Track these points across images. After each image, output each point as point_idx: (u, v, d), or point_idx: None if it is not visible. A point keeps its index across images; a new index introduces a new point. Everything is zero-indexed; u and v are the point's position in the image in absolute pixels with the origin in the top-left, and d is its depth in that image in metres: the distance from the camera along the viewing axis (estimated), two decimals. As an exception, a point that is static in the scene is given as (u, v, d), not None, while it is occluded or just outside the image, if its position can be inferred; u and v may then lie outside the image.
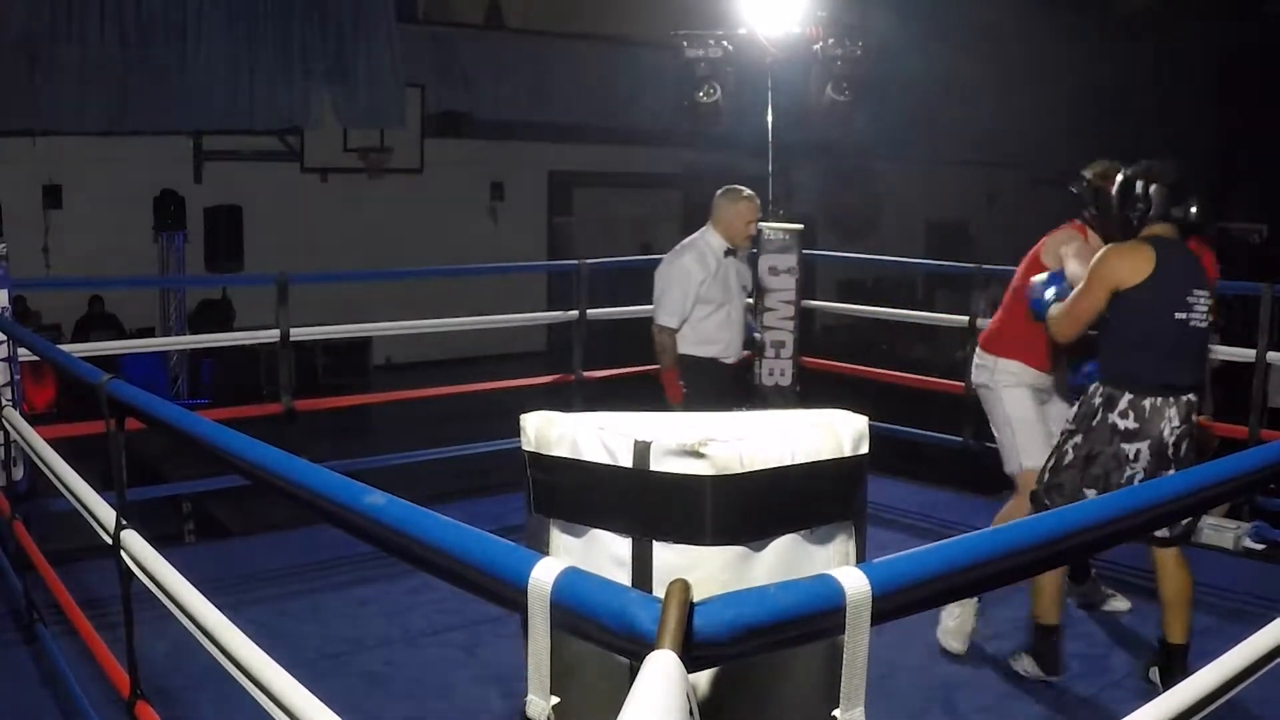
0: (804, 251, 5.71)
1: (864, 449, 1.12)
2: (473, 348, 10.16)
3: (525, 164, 12.60)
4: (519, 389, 5.39)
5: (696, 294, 4.46)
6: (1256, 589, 3.99)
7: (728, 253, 4.58)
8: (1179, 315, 3.10)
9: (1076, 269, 3.43)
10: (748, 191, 4.66)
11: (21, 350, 3.93)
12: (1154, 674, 3.19)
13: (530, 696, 1.01)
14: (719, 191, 4.70)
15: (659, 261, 4.67)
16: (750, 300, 4.98)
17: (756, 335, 5.03)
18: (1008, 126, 14.06)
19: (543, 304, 11.64)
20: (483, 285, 8.61)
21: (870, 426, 1.14)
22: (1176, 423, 3.10)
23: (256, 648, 1.67)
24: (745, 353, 4.86)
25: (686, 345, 4.49)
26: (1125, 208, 3.29)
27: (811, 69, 6.30)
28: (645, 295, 4.72)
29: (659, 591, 0.90)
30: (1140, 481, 3.03)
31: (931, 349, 11.89)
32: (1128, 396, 3.12)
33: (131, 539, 2.15)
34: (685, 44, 6.23)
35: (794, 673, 1.06)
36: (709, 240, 4.59)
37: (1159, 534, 3.13)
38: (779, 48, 6.16)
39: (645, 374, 5.01)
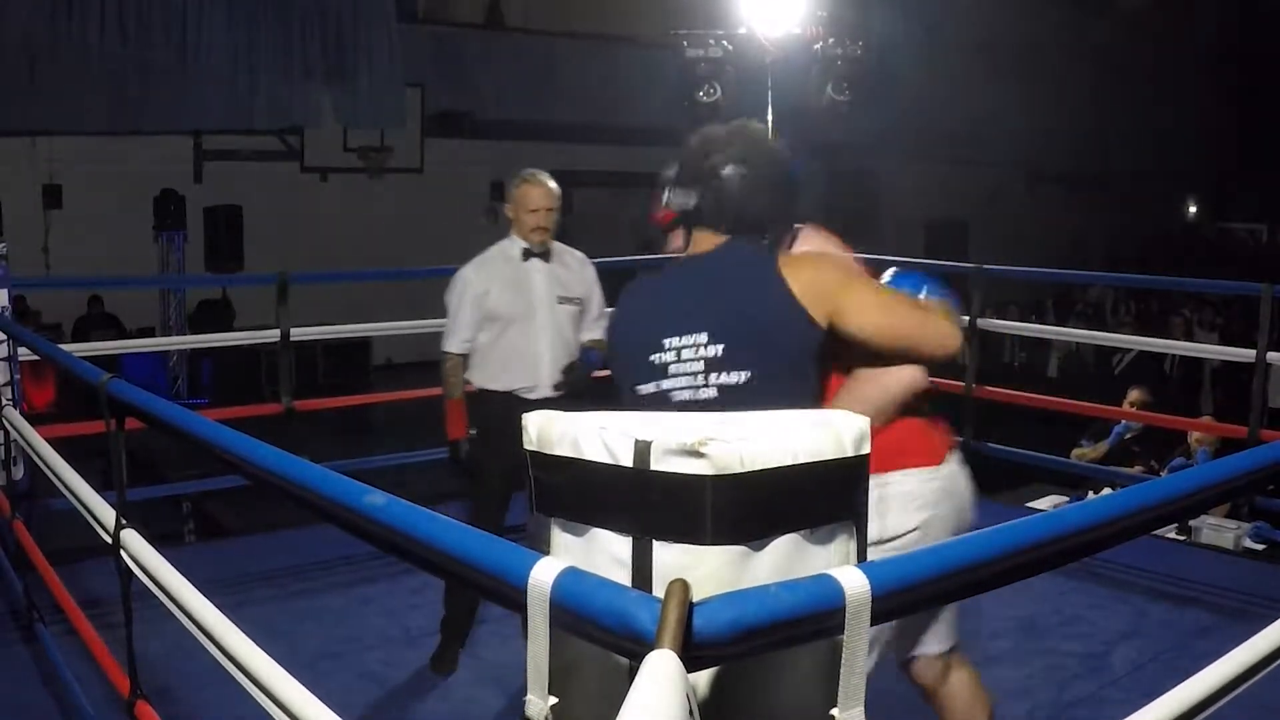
0: (804, 251, 5.70)
1: (865, 449, 1.12)
2: (473, 348, 10.16)
3: (525, 164, 12.56)
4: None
5: (480, 308, 3.49)
6: (1256, 589, 3.99)
7: (529, 254, 3.54)
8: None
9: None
10: (533, 173, 3.70)
11: (21, 350, 3.93)
12: None
13: (530, 696, 1.01)
14: None
15: (660, 261, 4.27)
16: (595, 315, 3.68)
17: (592, 358, 3.58)
18: (1008, 126, 14.07)
19: (543, 304, 11.64)
20: (483, 285, 8.59)
21: (870, 426, 1.14)
22: None
23: (256, 648, 1.67)
24: (564, 380, 3.52)
25: (476, 375, 3.53)
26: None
27: (811, 69, 6.31)
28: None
29: (659, 591, 0.90)
30: None
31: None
32: None
33: (131, 539, 2.15)
34: (685, 44, 6.23)
35: (793, 672, 1.06)
36: (504, 243, 3.62)
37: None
38: (779, 48, 6.16)
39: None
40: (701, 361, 1.92)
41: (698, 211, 2.03)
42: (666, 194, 2.13)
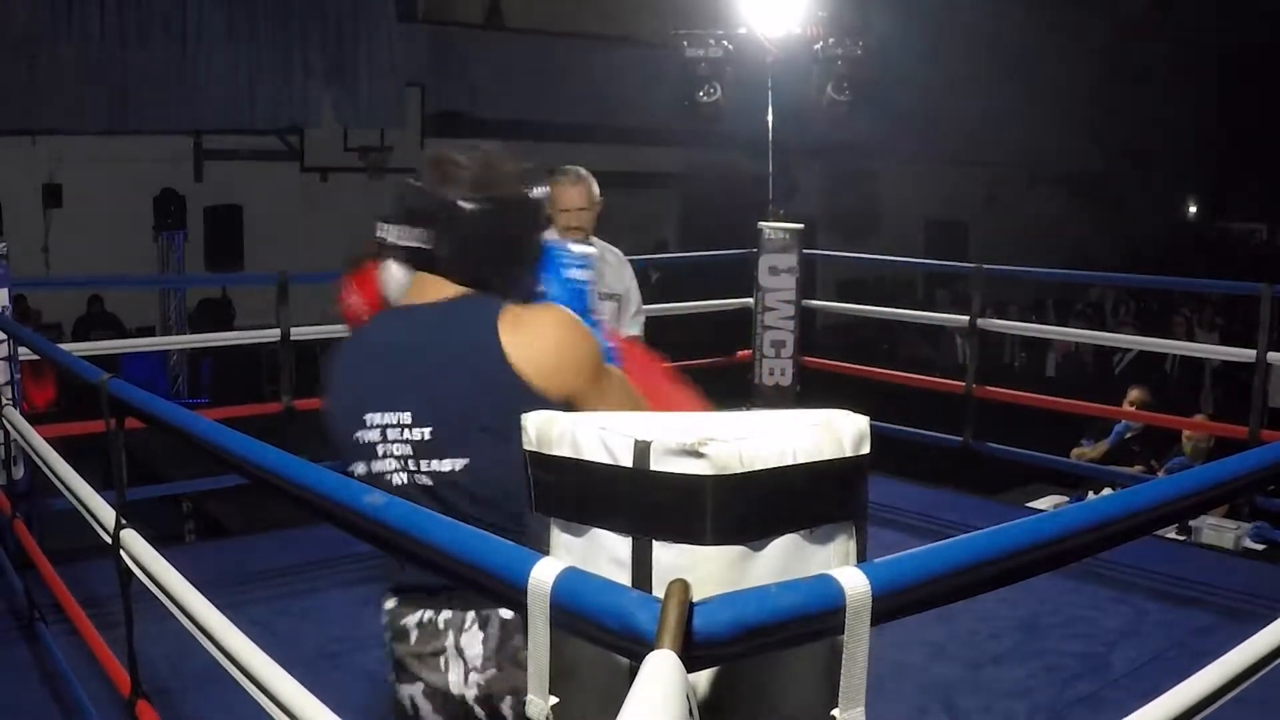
0: (804, 251, 5.71)
1: (865, 449, 1.12)
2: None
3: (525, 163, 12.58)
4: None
5: None
6: (1256, 589, 3.99)
7: None
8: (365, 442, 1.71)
9: None
10: (566, 171, 3.64)
11: (22, 349, 3.93)
12: None
13: (530, 696, 1.01)
14: None
15: (666, 259, 4.23)
16: (633, 311, 3.80)
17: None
18: (1008, 126, 14.07)
19: (543, 304, 11.64)
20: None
21: (870, 426, 1.14)
22: (477, 656, 1.65)
23: (256, 648, 1.67)
24: None
25: None
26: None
27: (811, 69, 6.31)
28: (647, 294, 4.66)
29: (659, 591, 0.90)
30: None
31: (932, 348, 11.90)
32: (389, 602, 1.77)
33: (131, 538, 2.15)
34: (685, 44, 6.24)
35: (794, 673, 1.06)
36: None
37: None
38: (779, 48, 6.16)
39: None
40: (409, 445, 1.63)
41: (428, 255, 1.68)
42: (384, 228, 1.74)
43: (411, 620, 1.69)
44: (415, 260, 1.71)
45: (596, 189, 3.67)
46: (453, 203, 1.69)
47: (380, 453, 1.66)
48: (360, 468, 1.69)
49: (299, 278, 4.91)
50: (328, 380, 1.78)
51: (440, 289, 1.70)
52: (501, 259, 1.73)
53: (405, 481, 1.65)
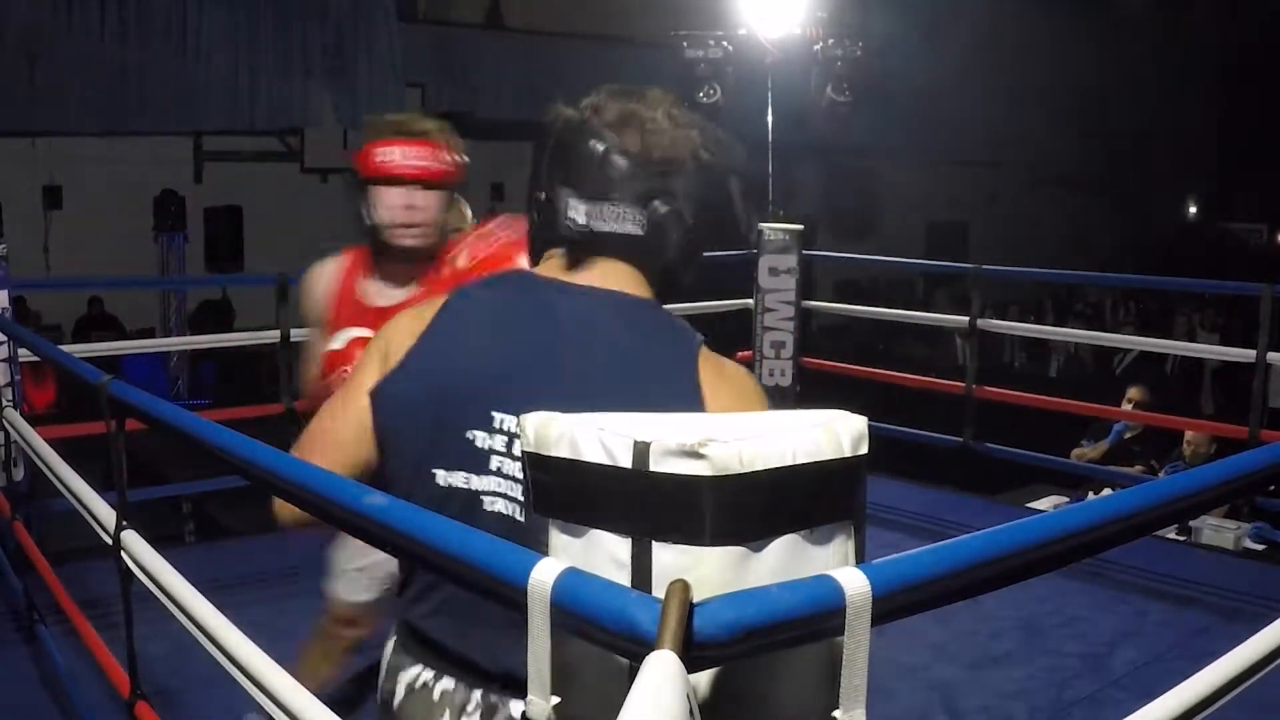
0: (804, 251, 5.71)
1: (864, 449, 1.12)
2: (473, 348, 10.16)
3: (525, 164, 12.56)
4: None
5: None
6: (1256, 589, 3.99)
7: None
8: (444, 471, 1.34)
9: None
10: None
11: (22, 350, 3.93)
12: None
13: (531, 697, 1.01)
14: None
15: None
16: None
17: None
18: (1008, 126, 14.07)
19: (543, 304, 11.63)
20: (483, 285, 8.58)
21: (870, 427, 1.14)
22: None
23: (256, 648, 1.67)
24: None
25: None
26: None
27: (811, 69, 6.31)
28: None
29: (659, 592, 0.90)
30: None
31: (931, 349, 11.90)
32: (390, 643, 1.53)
33: (131, 539, 2.15)
34: (685, 44, 6.24)
35: (794, 673, 1.06)
36: None
37: None
38: (779, 48, 6.17)
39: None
40: None
41: (631, 244, 1.33)
42: (572, 202, 1.34)
43: (405, 676, 1.46)
44: (592, 245, 1.34)
45: None
46: (673, 184, 1.34)
47: (493, 467, 1.30)
48: (452, 477, 1.32)
49: (299, 279, 4.91)
50: (423, 345, 1.34)
51: (617, 275, 1.35)
52: (690, 259, 1.37)
53: (504, 513, 1.31)
